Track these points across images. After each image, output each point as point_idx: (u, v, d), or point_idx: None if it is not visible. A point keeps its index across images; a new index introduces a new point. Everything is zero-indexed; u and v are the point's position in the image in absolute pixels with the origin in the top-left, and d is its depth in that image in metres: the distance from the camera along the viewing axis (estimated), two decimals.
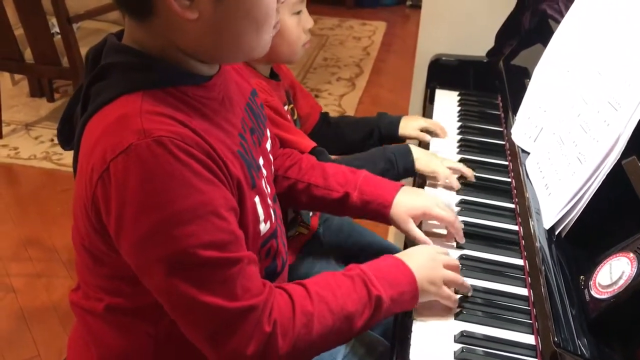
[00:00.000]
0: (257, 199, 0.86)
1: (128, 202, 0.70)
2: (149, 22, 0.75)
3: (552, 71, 1.19)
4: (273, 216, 0.91)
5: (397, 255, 0.91)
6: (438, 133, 1.40)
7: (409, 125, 1.41)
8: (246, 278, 0.75)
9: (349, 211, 1.10)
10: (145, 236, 0.71)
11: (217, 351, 0.75)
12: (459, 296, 0.91)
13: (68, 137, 0.84)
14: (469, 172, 1.22)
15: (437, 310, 0.90)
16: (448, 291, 0.89)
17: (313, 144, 1.22)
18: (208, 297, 0.72)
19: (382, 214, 1.06)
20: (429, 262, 0.90)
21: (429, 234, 1.06)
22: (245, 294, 0.74)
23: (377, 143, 1.42)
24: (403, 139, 1.41)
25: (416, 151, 1.24)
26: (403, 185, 1.09)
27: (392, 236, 2.08)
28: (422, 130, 1.40)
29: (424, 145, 1.37)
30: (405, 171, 1.24)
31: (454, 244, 1.05)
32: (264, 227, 0.87)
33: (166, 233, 0.71)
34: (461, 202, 1.16)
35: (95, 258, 0.81)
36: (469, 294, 0.92)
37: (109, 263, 0.79)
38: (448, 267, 0.91)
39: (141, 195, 0.70)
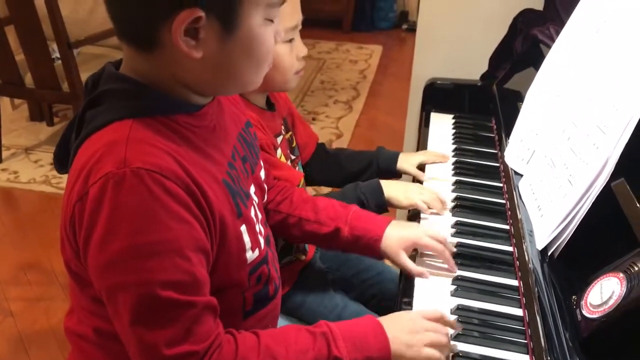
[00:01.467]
0: (243, 228, 0.86)
1: (96, 227, 0.72)
2: (150, 54, 0.77)
3: (543, 95, 1.22)
4: (263, 242, 0.91)
5: (380, 318, 0.88)
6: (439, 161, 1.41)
7: (407, 161, 1.41)
8: (196, 323, 0.75)
9: (340, 245, 1.10)
10: (106, 263, 0.73)
11: None
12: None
13: (64, 161, 0.85)
14: (439, 207, 1.21)
15: None
16: (429, 352, 0.85)
17: (301, 176, 1.22)
18: (150, 337, 0.73)
19: (373, 248, 1.07)
20: (409, 324, 0.87)
21: (427, 255, 1.07)
22: (189, 339, 0.74)
23: (374, 176, 1.42)
24: (400, 174, 1.42)
25: (389, 188, 1.24)
26: (392, 220, 1.10)
27: None
28: (419, 166, 1.40)
29: (419, 182, 1.37)
30: (377, 208, 1.24)
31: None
32: (251, 255, 0.87)
33: (126, 263, 0.72)
34: (456, 224, 1.17)
35: (80, 280, 0.82)
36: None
37: (91, 283, 0.79)
38: (432, 330, 0.87)
39: (109, 223, 0.71)
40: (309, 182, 1.48)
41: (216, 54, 0.77)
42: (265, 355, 0.79)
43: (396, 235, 1.06)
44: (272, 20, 0.80)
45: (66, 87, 2.72)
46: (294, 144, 1.35)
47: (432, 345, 0.85)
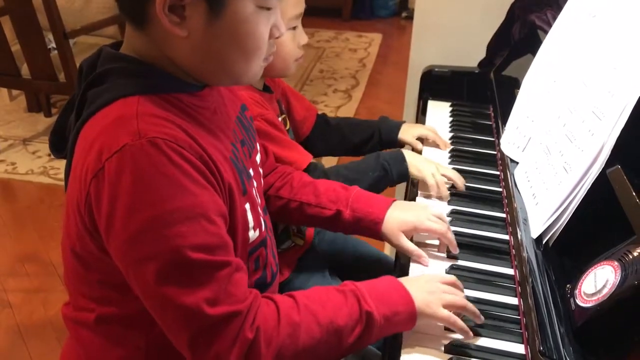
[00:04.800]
0: (247, 206, 0.86)
1: (119, 200, 0.71)
2: (146, 30, 0.77)
3: (539, 81, 1.20)
4: (263, 225, 0.92)
5: (398, 278, 0.90)
6: (437, 143, 1.40)
7: (409, 132, 1.42)
8: (232, 284, 0.75)
9: (341, 228, 1.10)
10: (134, 235, 0.72)
11: (199, 357, 0.75)
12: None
13: (59, 145, 0.85)
14: (460, 183, 1.22)
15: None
16: (446, 313, 0.86)
17: (309, 158, 1.22)
18: (191, 299, 0.72)
19: (374, 231, 1.07)
20: (427, 285, 0.88)
21: (421, 245, 1.06)
22: (229, 299, 0.74)
23: (376, 146, 1.44)
24: (402, 144, 1.42)
25: (409, 156, 1.25)
26: (395, 201, 1.09)
27: (388, 248, 2.07)
28: (419, 137, 1.41)
29: (417, 152, 1.38)
30: (399, 177, 1.24)
31: (445, 254, 1.06)
32: (253, 234, 0.88)
33: (156, 232, 0.72)
34: (453, 212, 1.16)
35: (85, 263, 0.82)
36: (479, 322, 0.88)
37: (99, 267, 0.79)
38: (449, 291, 0.88)
39: (133, 194, 0.71)
40: (312, 154, 1.48)
41: (202, 36, 0.76)
42: (306, 312, 0.80)
43: (397, 218, 1.06)
44: (268, 9, 0.79)
45: (63, 77, 2.71)
46: (288, 127, 1.35)
47: (449, 305, 0.87)
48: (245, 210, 0.85)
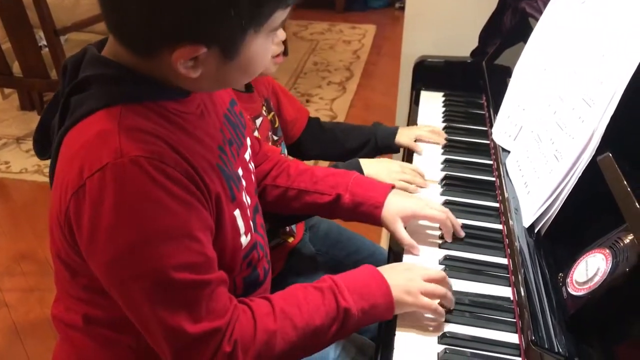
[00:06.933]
0: (237, 212, 0.85)
1: (102, 221, 0.70)
2: (141, 57, 0.75)
3: (530, 70, 1.19)
4: (253, 227, 0.91)
5: (378, 268, 0.90)
6: (436, 142, 1.39)
7: (405, 134, 1.40)
8: (213, 299, 0.76)
9: (340, 213, 1.09)
10: (117, 256, 0.72)
11: None
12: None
13: (44, 146, 0.84)
14: (422, 182, 1.22)
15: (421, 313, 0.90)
16: (426, 300, 0.87)
17: (278, 150, 1.21)
18: (174, 318, 0.73)
19: (373, 215, 1.06)
20: (406, 273, 0.89)
21: (417, 233, 1.06)
22: (210, 316, 0.75)
23: (371, 152, 1.43)
24: (398, 149, 1.42)
25: (369, 167, 1.23)
26: (393, 187, 1.09)
27: (384, 240, 2.07)
28: (417, 139, 1.39)
29: (417, 153, 1.37)
30: None
31: (439, 244, 1.05)
32: (244, 240, 0.87)
33: (139, 253, 0.71)
34: (446, 203, 1.16)
35: (71, 270, 0.81)
36: (451, 307, 0.90)
37: (85, 274, 0.79)
38: (429, 279, 0.89)
39: (115, 216, 0.70)
40: (303, 157, 1.48)
41: (213, 73, 0.76)
42: (282, 319, 0.80)
43: (397, 203, 1.05)
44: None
45: (54, 74, 2.69)
46: (277, 125, 1.33)
47: (429, 293, 0.87)
48: (234, 218, 0.84)
